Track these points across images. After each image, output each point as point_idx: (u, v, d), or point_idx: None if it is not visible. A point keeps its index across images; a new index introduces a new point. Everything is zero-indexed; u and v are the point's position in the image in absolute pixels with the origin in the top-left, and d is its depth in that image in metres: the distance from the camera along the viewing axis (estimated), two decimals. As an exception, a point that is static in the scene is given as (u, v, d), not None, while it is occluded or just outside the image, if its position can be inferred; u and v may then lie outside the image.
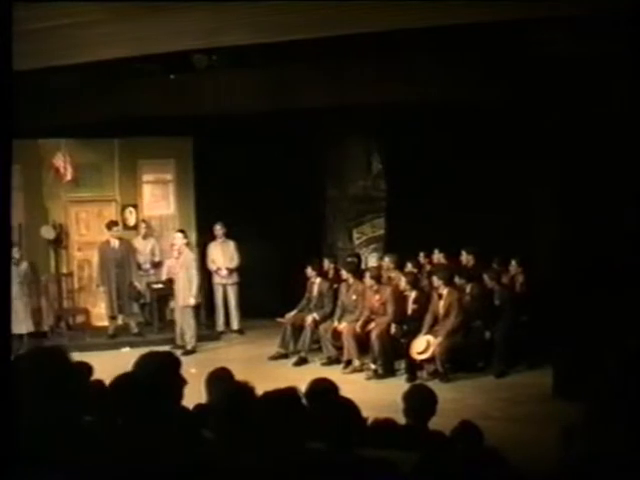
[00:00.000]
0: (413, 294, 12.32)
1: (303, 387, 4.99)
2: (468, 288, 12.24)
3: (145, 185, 15.89)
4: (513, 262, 12.64)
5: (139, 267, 15.05)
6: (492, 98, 12.33)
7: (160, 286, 14.86)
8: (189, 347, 13.75)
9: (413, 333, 11.92)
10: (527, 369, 11.86)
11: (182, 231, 14.42)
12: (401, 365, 12.08)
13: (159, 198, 15.99)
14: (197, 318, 14.39)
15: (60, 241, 15.25)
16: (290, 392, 3.97)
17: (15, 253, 14.07)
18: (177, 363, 4.64)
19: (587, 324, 10.10)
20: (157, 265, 15.23)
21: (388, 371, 12.03)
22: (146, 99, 13.56)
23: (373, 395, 10.48)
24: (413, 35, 10.12)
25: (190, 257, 14.08)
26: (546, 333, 11.23)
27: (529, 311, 12.17)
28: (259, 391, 4.18)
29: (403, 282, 12.42)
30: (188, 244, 14.28)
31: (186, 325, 13.95)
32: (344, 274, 13.18)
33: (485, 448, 5.52)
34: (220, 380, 5.67)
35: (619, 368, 9.41)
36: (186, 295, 13.89)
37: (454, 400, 10.23)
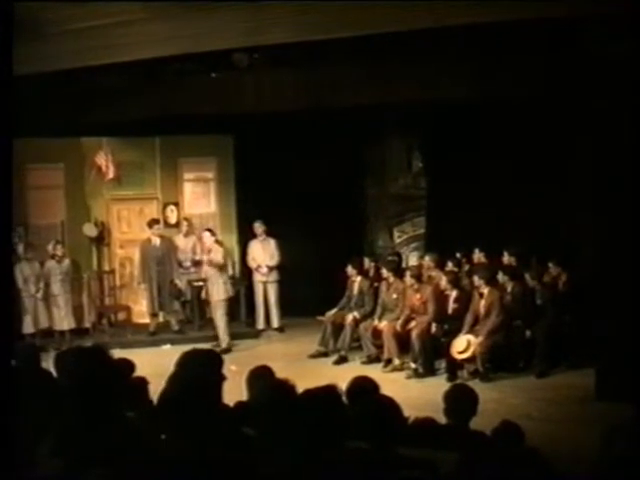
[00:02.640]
0: (454, 293, 12.27)
1: (343, 385, 5.00)
2: (509, 287, 12.15)
3: (186, 183, 15.98)
4: (551, 263, 12.50)
5: (180, 265, 15.12)
6: (535, 96, 12.25)
7: (201, 284, 14.91)
8: (224, 345, 13.60)
9: (454, 332, 11.86)
10: (569, 369, 11.73)
11: (210, 230, 14.46)
12: (441, 364, 12.02)
13: (200, 196, 16.06)
14: (231, 315, 14.23)
15: (102, 239, 15.39)
16: (330, 390, 3.98)
17: (58, 250, 14.26)
18: (219, 361, 4.66)
19: (631, 324, 10.00)
20: (198, 263, 15.29)
21: (428, 370, 11.98)
22: (187, 97, 13.62)
23: (413, 394, 10.46)
24: (456, 32, 10.09)
25: (219, 254, 14.07)
26: (589, 333, 11.13)
27: (571, 310, 12.06)
28: (299, 389, 4.19)
29: (444, 281, 12.37)
30: (217, 242, 14.28)
31: (219, 322, 13.96)
32: (385, 273, 13.15)
33: (526, 449, 5.49)
34: (261, 378, 5.68)
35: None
36: (219, 291, 13.90)
37: (495, 400, 10.17)
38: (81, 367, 4.07)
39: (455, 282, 12.35)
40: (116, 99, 13.65)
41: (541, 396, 10.77)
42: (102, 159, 15.02)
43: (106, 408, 3.91)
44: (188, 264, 15.29)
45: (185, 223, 15.50)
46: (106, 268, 15.44)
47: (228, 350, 13.43)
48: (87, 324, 14.88)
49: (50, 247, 14.20)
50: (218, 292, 13.87)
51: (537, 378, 11.54)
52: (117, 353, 4.60)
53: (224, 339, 13.85)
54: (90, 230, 15.14)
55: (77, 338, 13.87)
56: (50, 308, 14.26)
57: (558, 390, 10.97)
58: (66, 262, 14.38)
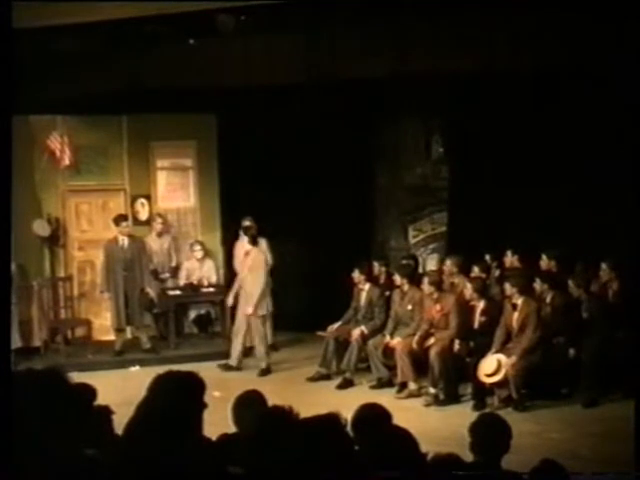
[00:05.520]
0: (481, 304, 12.29)
1: (349, 415, 4.99)
2: (549, 297, 12.17)
3: (160, 172, 15.98)
4: (604, 266, 12.49)
5: (156, 276, 15.10)
6: (581, 68, 12.21)
7: (177, 293, 14.90)
8: (263, 365, 13.96)
9: (481, 351, 11.88)
10: (623, 397, 11.69)
11: (247, 227, 14.47)
12: (467, 390, 12.06)
13: (176, 187, 16.07)
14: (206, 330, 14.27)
15: (56, 239, 15.35)
16: (332, 420, 3.96)
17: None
18: (200, 386, 4.65)
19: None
20: (175, 271, 15.29)
21: (451, 396, 12.01)
22: (161, 68, 13.63)
23: (433, 425, 10.52)
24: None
25: (261, 257, 14.15)
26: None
27: (626, 325, 12.02)
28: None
29: (469, 289, 12.39)
30: (255, 242, 14.15)
31: (258, 338, 14.07)
32: (398, 279, 13.17)
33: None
34: (250, 405, 5.69)
35: None
36: (252, 302, 13.94)
37: (532, 434, 10.21)
38: (30, 395, 4.04)
39: (483, 291, 12.36)
40: (75, 69, 13.63)
41: (590, 430, 10.78)
42: (56, 142, 15.00)
43: (61, 444, 3.89)
44: (166, 275, 15.29)
45: (159, 220, 15.50)
46: (61, 274, 15.43)
47: (268, 371, 13.88)
48: (37, 342, 14.87)
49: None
50: (252, 306, 13.90)
51: (584, 408, 11.55)
52: (75, 377, 4.58)
53: (264, 358, 14.05)
54: (41, 228, 15.10)
55: (24, 359, 13.83)
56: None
57: (611, 423, 10.89)
58: (11, 268, 14.36)
